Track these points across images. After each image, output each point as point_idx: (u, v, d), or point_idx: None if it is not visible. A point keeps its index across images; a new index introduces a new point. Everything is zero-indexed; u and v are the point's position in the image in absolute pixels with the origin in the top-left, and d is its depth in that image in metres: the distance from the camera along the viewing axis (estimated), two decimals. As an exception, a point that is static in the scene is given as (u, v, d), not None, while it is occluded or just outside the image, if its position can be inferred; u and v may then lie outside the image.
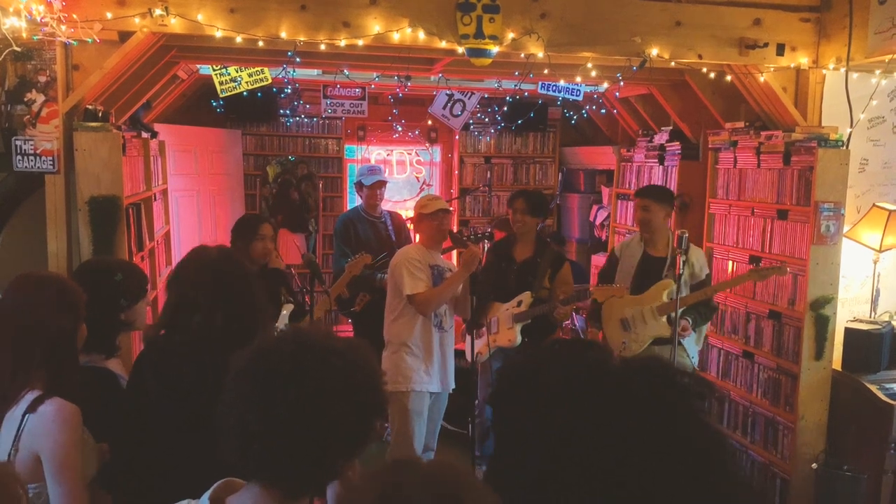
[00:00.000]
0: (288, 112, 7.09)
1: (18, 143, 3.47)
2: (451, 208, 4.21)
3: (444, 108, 6.80)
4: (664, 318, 4.00)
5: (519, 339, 4.30)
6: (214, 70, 5.35)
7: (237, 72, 5.38)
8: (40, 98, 3.47)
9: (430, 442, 4.01)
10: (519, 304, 4.34)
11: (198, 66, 5.50)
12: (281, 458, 1.23)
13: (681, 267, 3.77)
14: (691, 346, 4.15)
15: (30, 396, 1.92)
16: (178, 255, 5.72)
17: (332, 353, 1.29)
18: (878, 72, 4.10)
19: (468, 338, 4.24)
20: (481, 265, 3.95)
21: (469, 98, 6.82)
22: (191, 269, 2.20)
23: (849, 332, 4.19)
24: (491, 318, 4.43)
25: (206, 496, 1.30)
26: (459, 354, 4.66)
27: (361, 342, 1.42)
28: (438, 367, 3.90)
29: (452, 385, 4.05)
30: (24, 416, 1.89)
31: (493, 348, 4.39)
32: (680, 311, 3.98)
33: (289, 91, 6.68)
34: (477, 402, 4.33)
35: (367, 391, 1.31)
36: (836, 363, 4.21)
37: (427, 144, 7.74)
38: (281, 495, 1.26)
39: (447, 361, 3.97)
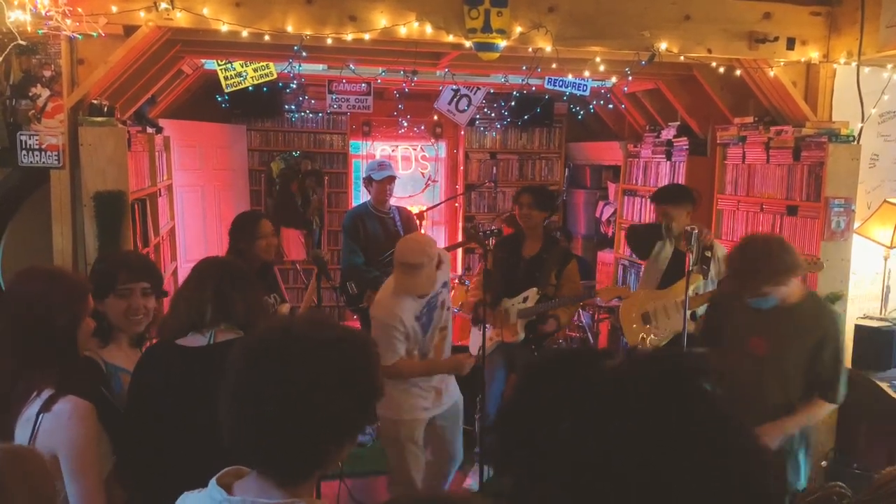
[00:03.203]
0: (293, 107, 7.06)
1: (23, 137, 3.45)
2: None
3: (450, 103, 6.76)
4: (689, 313, 3.97)
5: (523, 334, 4.28)
6: (219, 65, 5.34)
7: (242, 67, 5.37)
8: (45, 93, 3.45)
9: (454, 452, 3.70)
10: (525, 300, 4.31)
11: (203, 60, 5.49)
12: (270, 449, 1.24)
13: (690, 264, 3.74)
14: None
15: (43, 396, 1.89)
16: (182, 250, 5.71)
17: (321, 344, 1.27)
18: (889, 66, 4.07)
19: (475, 333, 4.21)
20: (490, 264, 3.88)
21: (475, 93, 6.78)
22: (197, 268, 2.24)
23: (859, 329, 4.16)
24: (497, 313, 4.40)
25: (213, 479, 1.31)
26: (463, 350, 4.62)
27: (356, 331, 1.40)
28: (434, 386, 3.53)
29: (455, 395, 3.69)
30: (38, 415, 1.86)
31: (496, 343, 4.36)
32: (704, 307, 3.96)
33: (294, 86, 6.66)
34: (479, 397, 4.27)
35: (357, 382, 1.29)
36: (846, 360, 4.17)
37: (432, 140, 7.71)
38: (280, 482, 1.27)
39: (445, 378, 3.59)
